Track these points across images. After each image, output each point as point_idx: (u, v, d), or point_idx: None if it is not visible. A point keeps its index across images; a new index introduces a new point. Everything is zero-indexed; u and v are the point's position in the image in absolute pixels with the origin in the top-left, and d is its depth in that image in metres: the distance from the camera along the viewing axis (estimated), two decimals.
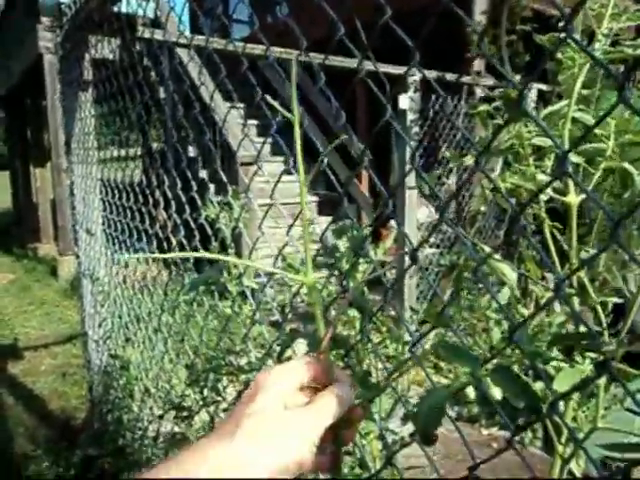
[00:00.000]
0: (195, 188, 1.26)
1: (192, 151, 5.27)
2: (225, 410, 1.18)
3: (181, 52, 4.26)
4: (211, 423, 1.22)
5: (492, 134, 0.57)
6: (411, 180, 3.36)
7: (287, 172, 1.01)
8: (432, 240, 5.11)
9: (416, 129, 3.36)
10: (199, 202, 1.24)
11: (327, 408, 0.50)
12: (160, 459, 1.57)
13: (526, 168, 0.67)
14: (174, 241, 1.28)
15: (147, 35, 2.43)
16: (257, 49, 2.94)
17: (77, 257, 2.19)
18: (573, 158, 0.72)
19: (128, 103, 1.82)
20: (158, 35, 2.22)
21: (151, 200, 1.48)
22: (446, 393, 0.46)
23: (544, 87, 4.26)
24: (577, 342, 0.47)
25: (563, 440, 0.78)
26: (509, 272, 0.73)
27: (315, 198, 5.71)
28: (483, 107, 0.85)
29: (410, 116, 3.28)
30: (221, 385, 1.10)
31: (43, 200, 8.24)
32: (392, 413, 0.78)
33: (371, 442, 0.77)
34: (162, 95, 5.28)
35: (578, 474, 0.85)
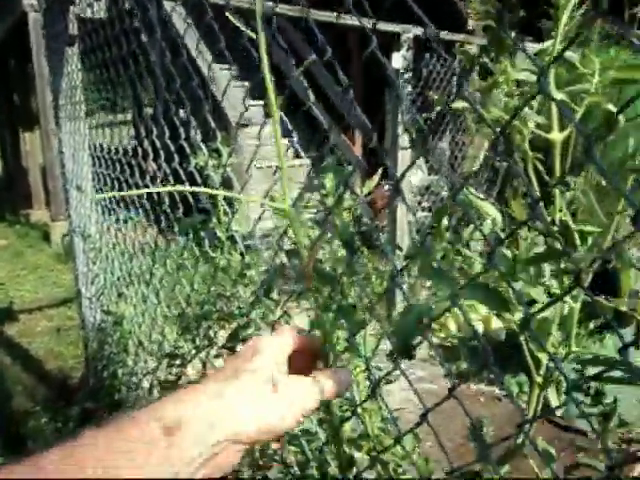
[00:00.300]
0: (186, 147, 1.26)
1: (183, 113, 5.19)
2: (217, 356, 1.20)
3: (169, 8, 4.15)
4: (203, 369, 1.24)
5: (467, 61, 0.57)
6: (405, 141, 3.34)
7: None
8: (425, 204, 5.13)
9: (409, 89, 3.33)
10: (188, 151, 1.24)
11: (327, 386, 0.51)
12: None
13: (509, 100, 0.67)
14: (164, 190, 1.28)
15: None
16: (244, 2, 2.87)
17: (68, 216, 2.19)
18: (557, 95, 0.72)
19: (116, 57, 1.79)
20: None
21: (140, 151, 1.47)
22: (424, 308, 0.47)
23: (539, 46, 4.19)
24: (552, 259, 0.49)
25: (542, 372, 0.81)
26: (492, 210, 0.75)
27: (309, 161, 5.68)
28: (469, 47, 0.85)
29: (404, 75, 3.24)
30: (212, 331, 1.12)
31: (33, 165, 8.14)
32: (377, 349, 0.80)
33: (357, 376, 0.80)
34: (152, 56, 5.16)
35: (555, 402, 0.88)
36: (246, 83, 6.18)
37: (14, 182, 8.88)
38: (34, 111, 7.63)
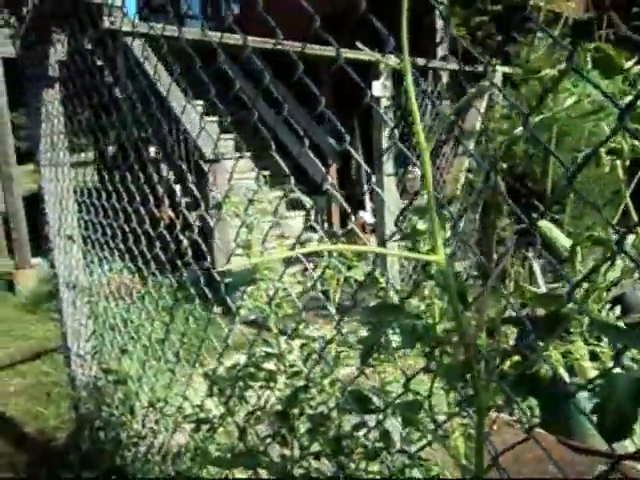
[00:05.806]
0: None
1: (153, 151, 5.06)
2: (257, 419, 1.08)
3: (136, 48, 4.07)
4: (241, 435, 1.12)
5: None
6: (389, 167, 3.31)
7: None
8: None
9: (390, 115, 3.31)
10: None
11: None
12: (172, 476, 1.47)
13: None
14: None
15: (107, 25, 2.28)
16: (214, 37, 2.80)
17: (52, 267, 2.03)
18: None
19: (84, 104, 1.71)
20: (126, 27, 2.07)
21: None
22: (636, 378, 0.39)
23: (508, 70, 4.30)
24: None
25: None
26: (562, 237, 0.69)
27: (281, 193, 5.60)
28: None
29: (384, 102, 3.23)
30: (256, 393, 1.00)
31: None
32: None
33: None
34: (119, 95, 5.04)
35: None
36: (214, 118, 6.10)
37: None
38: None
